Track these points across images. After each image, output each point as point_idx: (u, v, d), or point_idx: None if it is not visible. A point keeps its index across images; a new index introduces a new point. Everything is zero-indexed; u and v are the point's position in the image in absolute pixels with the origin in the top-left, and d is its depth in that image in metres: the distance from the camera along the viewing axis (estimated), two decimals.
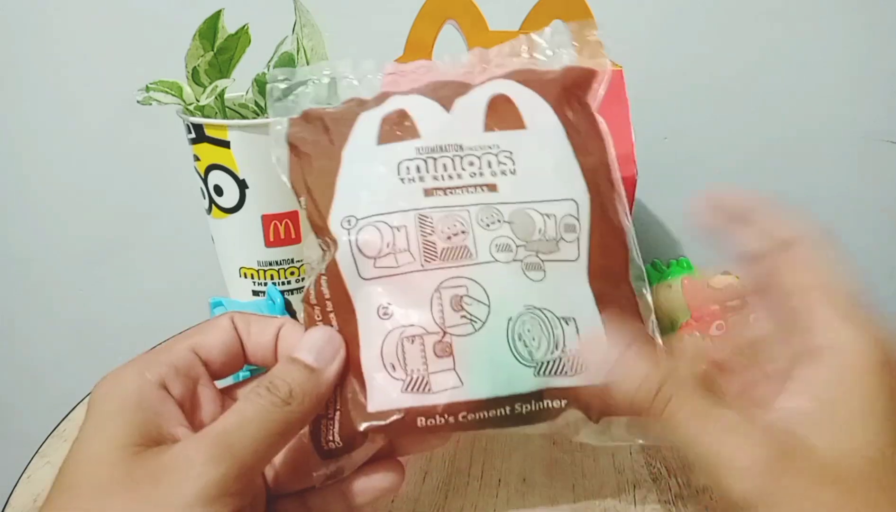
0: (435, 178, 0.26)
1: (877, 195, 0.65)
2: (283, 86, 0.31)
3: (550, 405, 0.24)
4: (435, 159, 0.26)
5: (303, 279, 0.48)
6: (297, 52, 0.44)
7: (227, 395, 0.28)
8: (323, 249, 0.27)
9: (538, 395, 0.24)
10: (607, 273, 0.26)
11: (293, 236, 0.46)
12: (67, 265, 0.74)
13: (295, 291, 0.48)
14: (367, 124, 0.28)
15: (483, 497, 0.38)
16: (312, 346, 0.25)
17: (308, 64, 0.45)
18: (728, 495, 0.20)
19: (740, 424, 0.21)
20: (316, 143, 0.29)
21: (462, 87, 0.29)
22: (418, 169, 0.26)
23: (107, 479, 0.21)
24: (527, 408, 0.24)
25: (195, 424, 0.25)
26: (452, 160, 0.26)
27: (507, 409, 0.24)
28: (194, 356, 0.26)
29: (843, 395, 0.21)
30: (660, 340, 0.27)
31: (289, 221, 0.45)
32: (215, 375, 0.27)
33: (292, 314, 0.49)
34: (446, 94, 0.29)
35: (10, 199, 0.72)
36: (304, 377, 0.24)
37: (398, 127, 0.28)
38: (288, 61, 0.45)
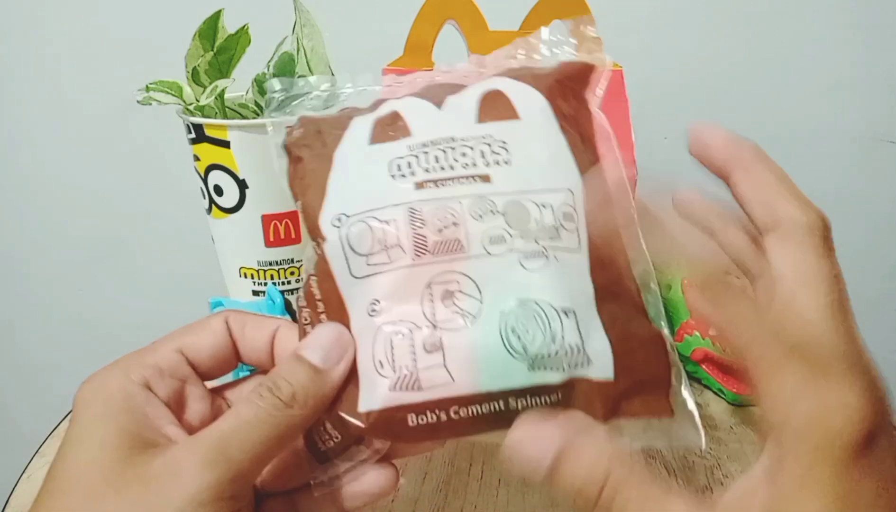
0: (426, 170, 0.26)
1: (877, 195, 0.65)
2: (280, 97, 0.31)
3: (547, 401, 0.23)
4: (426, 153, 0.26)
5: (303, 279, 0.48)
6: (297, 52, 0.44)
7: (219, 395, 0.28)
8: (317, 253, 0.27)
9: (533, 390, 0.23)
10: (609, 265, 0.26)
11: (293, 236, 0.46)
12: (67, 265, 0.74)
13: (295, 291, 0.48)
14: (360, 127, 0.28)
15: (483, 497, 0.38)
16: (320, 344, 0.24)
17: (308, 64, 0.45)
18: None
19: None
20: (309, 147, 0.29)
21: (456, 88, 0.29)
22: (409, 165, 0.26)
23: (97, 482, 0.21)
24: (521, 403, 0.23)
25: (185, 425, 0.25)
26: (444, 152, 0.26)
27: (501, 404, 0.23)
28: (180, 357, 0.26)
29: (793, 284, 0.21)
30: (668, 334, 0.26)
31: (289, 221, 0.45)
32: (204, 376, 0.27)
33: (292, 314, 0.49)
34: (439, 93, 0.29)
35: (11, 199, 0.72)
36: (308, 378, 0.23)
37: (390, 127, 0.27)
38: (288, 61, 0.45)
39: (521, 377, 0.23)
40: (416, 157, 0.26)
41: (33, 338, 0.79)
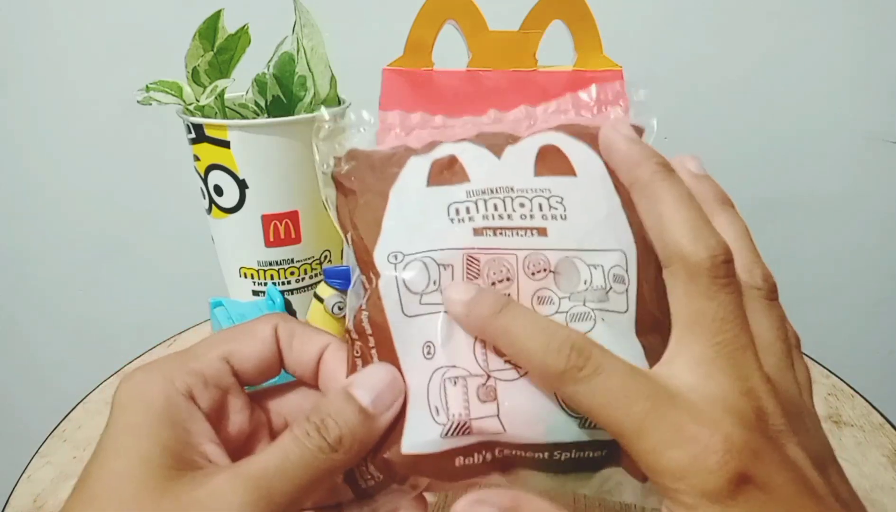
0: (485, 217, 0.26)
1: (877, 195, 0.65)
2: (330, 126, 0.31)
3: (591, 456, 0.24)
4: (486, 200, 0.26)
5: (303, 279, 0.48)
6: (297, 52, 0.44)
7: (258, 404, 0.27)
8: (366, 288, 0.27)
9: (579, 445, 0.24)
10: (654, 326, 0.26)
11: (293, 236, 0.46)
12: (68, 265, 0.74)
13: (295, 291, 0.48)
14: (417, 167, 0.28)
15: None
16: (373, 386, 0.23)
17: (308, 64, 0.45)
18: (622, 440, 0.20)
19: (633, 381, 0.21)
20: (362, 180, 0.29)
21: (511, 138, 0.29)
22: (468, 210, 0.26)
23: (132, 499, 0.20)
24: (566, 455, 0.24)
25: (222, 438, 0.24)
26: (503, 201, 0.26)
27: (546, 454, 0.24)
28: (225, 365, 0.25)
29: (680, 318, 0.21)
30: None
31: (289, 221, 0.45)
32: (246, 383, 0.26)
33: (292, 314, 0.49)
34: (496, 142, 0.29)
35: (12, 199, 0.72)
36: (357, 422, 0.23)
37: (448, 171, 0.28)
38: (288, 61, 0.45)
39: (572, 433, 0.23)
40: (475, 203, 0.26)
41: (34, 337, 0.79)
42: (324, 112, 0.30)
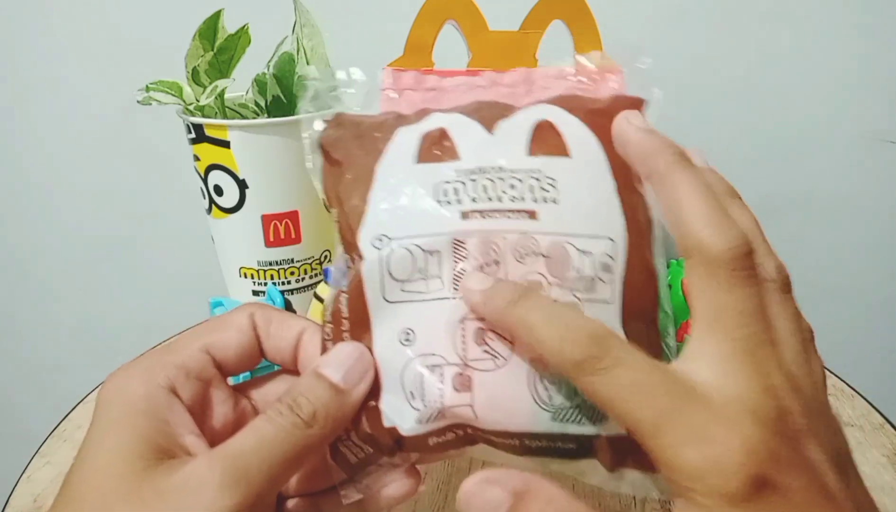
0: (473, 199, 0.25)
1: (877, 195, 0.65)
2: (319, 86, 0.30)
3: (562, 448, 0.24)
4: (474, 181, 0.25)
5: (303, 279, 0.48)
6: (297, 52, 0.44)
7: (243, 394, 0.27)
8: (349, 267, 0.26)
9: (551, 436, 0.24)
10: (639, 316, 0.25)
11: (293, 236, 0.46)
12: (68, 264, 0.74)
13: (295, 291, 0.48)
14: (405, 140, 0.27)
15: None
16: (341, 363, 0.24)
17: (308, 64, 0.45)
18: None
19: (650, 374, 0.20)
20: (348, 152, 0.28)
21: (506, 109, 0.28)
22: (456, 191, 0.25)
23: (113, 493, 0.20)
24: (537, 444, 0.24)
25: (206, 429, 0.24)
26: (493, 182, 0.25)
27: (516, 441, 0.24)
28: (207, 357, 0.25)
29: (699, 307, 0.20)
30: None
31: (289, 221, 0.45)
32: (228, 373, 0.26)
33: None
34: (489, 114, 0.28)
35: (12, 199, 0.72)
36: (329, 397, 0.23)
37: (438, 147, 0.27)
38: (288, 61, 0.45)
39: (544, 425, 0.23)
40: (464, 184, 0.25)
41: (34, 337, 0.79)
42: (312, 69, 0.29)
